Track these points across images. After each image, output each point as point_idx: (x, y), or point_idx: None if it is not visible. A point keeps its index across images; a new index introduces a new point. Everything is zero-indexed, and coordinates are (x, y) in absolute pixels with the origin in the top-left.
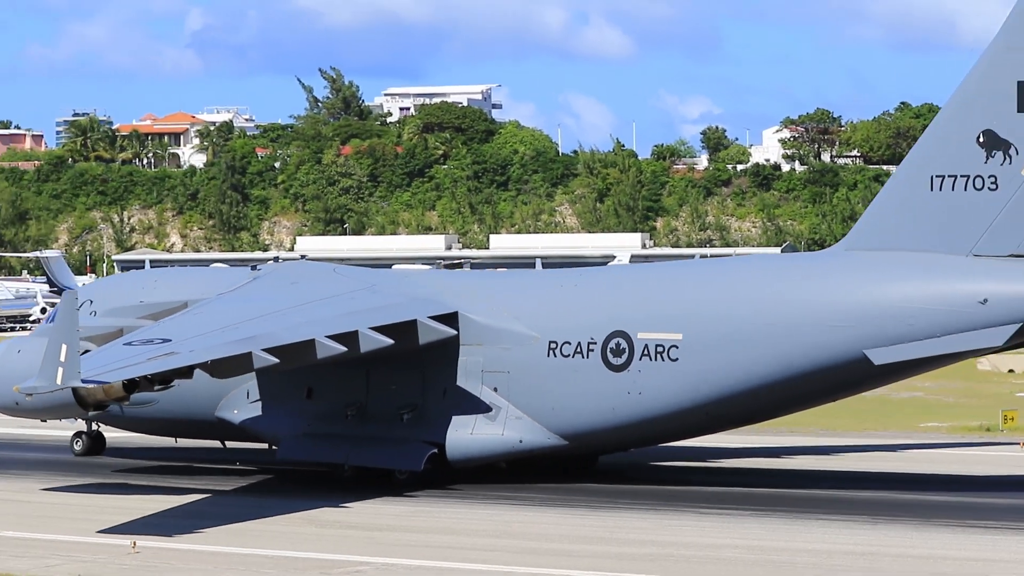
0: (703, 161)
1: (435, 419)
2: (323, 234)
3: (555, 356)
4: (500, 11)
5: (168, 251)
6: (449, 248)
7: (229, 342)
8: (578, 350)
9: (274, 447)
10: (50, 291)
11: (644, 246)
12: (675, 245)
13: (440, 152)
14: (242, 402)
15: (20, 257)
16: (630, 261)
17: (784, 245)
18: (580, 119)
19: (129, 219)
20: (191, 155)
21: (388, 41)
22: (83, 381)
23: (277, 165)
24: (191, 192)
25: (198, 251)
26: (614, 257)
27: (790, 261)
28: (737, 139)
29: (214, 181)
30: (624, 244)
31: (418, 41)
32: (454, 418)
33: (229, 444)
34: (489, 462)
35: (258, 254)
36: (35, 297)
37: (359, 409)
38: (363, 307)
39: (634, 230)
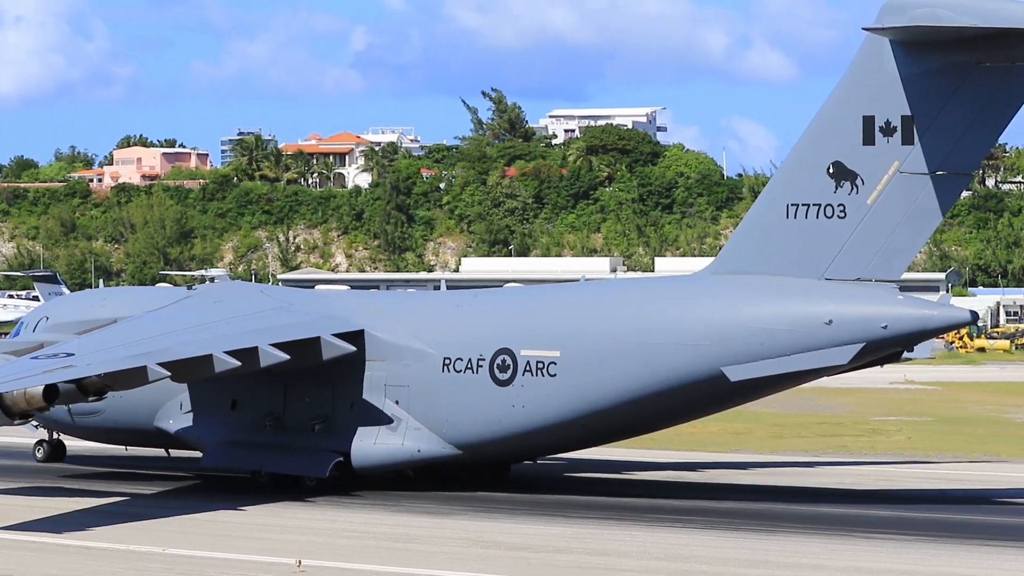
0: None
1: (342, 429)
2: (488, 255)
3: (449, 371)
4: (664, 34)
5: (333, 271)
6: (614, 270)
7: (126, 356)
8: (469, 366)
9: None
10: None
11: None
12: None
13: (605, 174)
14: (176, 412)
15: (185, 275)
16: None
17: (948, 272)
18: (744, 143)
19: (294, 238)
20: (356, 175)
21: (551, 63)
22: None
23: (442, 186)
24: (356, 212)
25: (363, 271)
26: None
27: (660, 284)
28: None
29: (379, 201)
30: None
31: (582, 63)
32: (359, 429)
33: (173, 452)
34: (391, 470)
35: (423, 275)
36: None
37: (276, 420)
38: (272, 324)
39: None
